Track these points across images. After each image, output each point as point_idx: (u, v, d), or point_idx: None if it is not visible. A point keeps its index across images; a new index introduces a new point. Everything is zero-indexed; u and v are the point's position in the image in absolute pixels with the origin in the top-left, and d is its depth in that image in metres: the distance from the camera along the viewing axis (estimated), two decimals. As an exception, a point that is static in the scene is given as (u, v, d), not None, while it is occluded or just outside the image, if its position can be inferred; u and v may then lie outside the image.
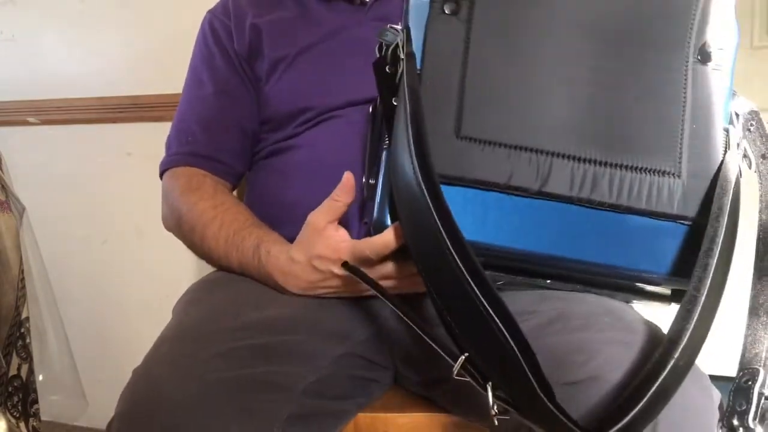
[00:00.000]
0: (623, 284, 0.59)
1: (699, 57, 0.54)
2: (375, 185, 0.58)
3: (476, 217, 0.53)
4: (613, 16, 0.54)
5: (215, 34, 0.86)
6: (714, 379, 0.55)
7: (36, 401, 1.34)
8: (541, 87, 0.53)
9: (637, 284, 0.58)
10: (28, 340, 1.34)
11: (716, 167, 0.53)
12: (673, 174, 0.53)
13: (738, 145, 0.54)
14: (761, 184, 0.54)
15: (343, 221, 0.63)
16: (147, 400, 0.53)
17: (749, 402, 0.47)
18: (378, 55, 0.58)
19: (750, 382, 0.47)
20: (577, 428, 0.41)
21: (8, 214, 1.34)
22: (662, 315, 0.61)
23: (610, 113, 0.53)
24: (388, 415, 0.69)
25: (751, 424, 0.46)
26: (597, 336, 0.54)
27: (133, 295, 1.52)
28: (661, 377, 0.43)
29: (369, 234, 0.59)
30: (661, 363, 0.44)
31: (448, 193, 0.48)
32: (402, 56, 0.54)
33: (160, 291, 1.44)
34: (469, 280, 0.42)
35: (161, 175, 0.84)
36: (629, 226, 0.54)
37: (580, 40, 0.53)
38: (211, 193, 0.77)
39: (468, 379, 0.45)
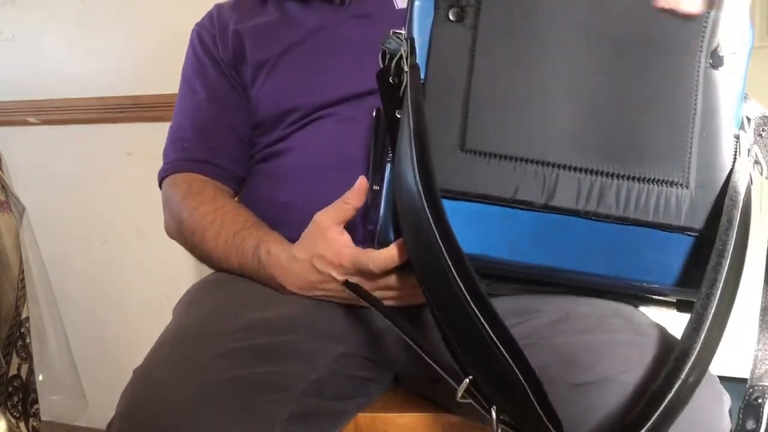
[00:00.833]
0: (628, 293, 0.59)
1: (711, 62, 0.53)
2: (379, 192, 0.57)
3: (480, 231, 0.52)
4: (621, 22, 0.53)
5: (203, 44, 0.87)
6: (724, 380, 0.54)
7: (36, 401, 1.34)
8: (547, 96, 0.52)
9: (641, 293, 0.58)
10: (28, 340, 1.34)
11: (725, 176, 0.53)
12: (681, 184, 0.52)
13: (749, 151, 0.53)
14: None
15: (349, 225, 0.63)
16: (147, 401, 0.53)
17: (759, 421, 0.45)
18: (381, 65, 0.56)
19: (760, 400, 0.46)
20: None
21: (8, 214, 1.34)
22: (668, 317, 0.61)
23: (618, 122, 0.52)
24: (388, 415, 0.69)
25: None
26: (606, 337, 0.54)
27: (133, 295, 1.52)
28: (670, 394, 0.43)
29: (373, 239, 0.58)
30: (669, 381, 0.44)
31: (452, 207, 0.47)
32: (406, 68, 0.52)
33: (160, 291, 1.45)
34: (472, 304, 0.41)
35: (160, 184, 0.84)
36: (636, 238, 0.53)
37: (587, 47, 0.52)
38: (211, 197, 0.77)
39: (471, 401, 0.45)
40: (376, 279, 0.60)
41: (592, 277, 0.54)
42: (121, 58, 1.42)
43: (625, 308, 0.61)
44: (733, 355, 0.62)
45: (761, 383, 0.47)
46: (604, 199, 0.52)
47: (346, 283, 0.60)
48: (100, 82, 1.43)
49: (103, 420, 0.57)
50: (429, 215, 0.44)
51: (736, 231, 0.48)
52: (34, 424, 1.32)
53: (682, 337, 0.46)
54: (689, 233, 0.53)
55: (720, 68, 0.53)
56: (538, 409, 0.41)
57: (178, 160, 0.83)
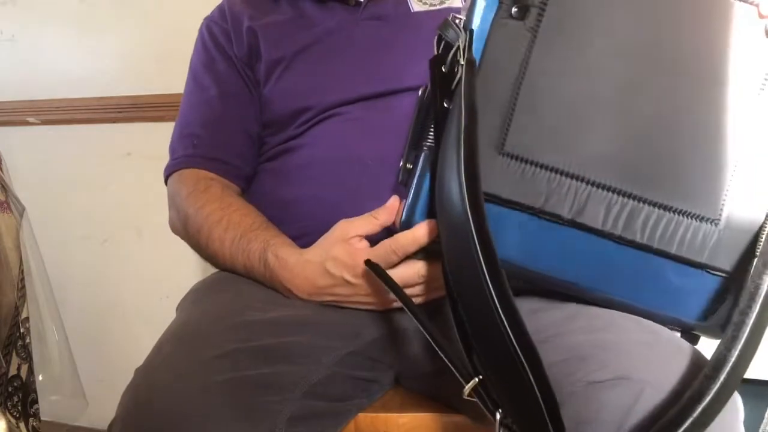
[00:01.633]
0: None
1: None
2: (412, 172, 0.57)
3: (502, 236, 0.51)
4: (683, 48, 0.51)
5: (214, 38, 0.86)
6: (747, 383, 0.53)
7: (36, 401, 1.34)
8: (593, 111, 0.51)
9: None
10: (28, 340, 1.34)
11: (762, 218, 0.51)
12: (711, 221, 0.51)
13: None
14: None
15: (371, 241, 0.63)
16: (149, 401, 0.53)
17: None
18: (436, 51, 0.55)
19: None
20: None
21: (8, 214, 1.34)
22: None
23: (660, 148, 0.51)
24: (388, 415, 0.69)
25: None
26: (619, 336, 0.54)
27: (133, 295, 1.51)
28: None
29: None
30: (681, 420, 0.43)
31: None
32: (462, 61, 0.50)
33: (160, 291, 1.44)
34: (500, 311, 0.41)
35: (166, 180, 0.83)
36: (655, 267, 0.52)
37: (642, 67, 0.51)
38: (218, 195, 0.76)
39: (477, 400, 0.45)
40: (398, 269, 0.60)
41: (607, 298, 0.54)
42: (121, 58, 1.41)
43: None
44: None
45: None
46: (631, 223, 0.51)
47: (367, 262, 0.59)
48: (100, 82, 1.43)
49: (103, 420, 0.57)
50: (470, 221, 0.43)
51: None
52: (34, 424, 1.32)
53: (700, 377, 0.45)
54: (710, 271, 0.52)
55: None
56: (548, 420, 0.41)
57: (187, 156, 0.82)
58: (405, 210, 0.57)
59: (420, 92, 0.60)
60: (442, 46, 0.55)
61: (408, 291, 0.61)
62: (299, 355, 0.60)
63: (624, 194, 0.51)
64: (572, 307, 0.59)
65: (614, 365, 0.51)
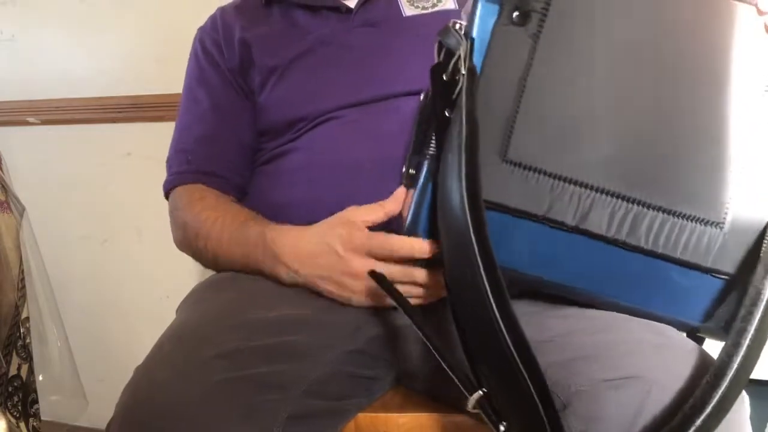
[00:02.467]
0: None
1: None
2: (415, 177, 0.57)
3: (506, 243, 0.51)
4: (682, 51, 0.51)
5: (206, 51, 0.87)
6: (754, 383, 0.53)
7: (36, 401, 1.34)
8: (595, 117, 0.51)
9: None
10: (28, 340, 1.34)
11: (767, 221, 0.51)
12: (716, 224, 0.51)
13: None
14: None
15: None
16: (148, 400, 0.53)
17: None
18: (436, 58, 0.55)
19: None
20: None
21: (8, 214, 1.34)
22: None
23: (662, 152, 0.51)
24: (388, 415, 0.69)
25: None
26: (628, 336, 0.54)
27: (133, 295, 1.52)
28: None
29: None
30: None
31: None
32: (463, 71, 0.50)
33: (160, 291, 1.45)
34: (501, 322, 0.41)
35: (166, 196, 0.85)
36: (661, 271, 0.52)
37: (642, 72, 0.51)
38: (213, 204, 0.78)
39: (480, 412, 0.45)
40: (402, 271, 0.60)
41: (613, 303, 0.54)
42: (121, 58, 1.41)
43: None
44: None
45: None
46: (636, 229, 0.51)
47: (371, 273, 0.59)
48: (100, 82, 1.43)
49: (103, 420, 0.57)
50: (471, 228, 0.43)
51: None
52: (34, 424, 1.32)
53: (704, 383, 0.45)
54: (715, 275, 0.52)
55: None
56: (548, 430, 0.41)
57: (182, 173, 0.84)
58: (408, 218, 0.57)
59: (421, 96, 0.60)
60: (443, 54, 0.54)
61: (404, 291, 0.61)
62: (299, 354, 0.60)
63: (628, 199, 0.51)
64: (575, 309, 0.59)
65: (625, 365, 0.51)
